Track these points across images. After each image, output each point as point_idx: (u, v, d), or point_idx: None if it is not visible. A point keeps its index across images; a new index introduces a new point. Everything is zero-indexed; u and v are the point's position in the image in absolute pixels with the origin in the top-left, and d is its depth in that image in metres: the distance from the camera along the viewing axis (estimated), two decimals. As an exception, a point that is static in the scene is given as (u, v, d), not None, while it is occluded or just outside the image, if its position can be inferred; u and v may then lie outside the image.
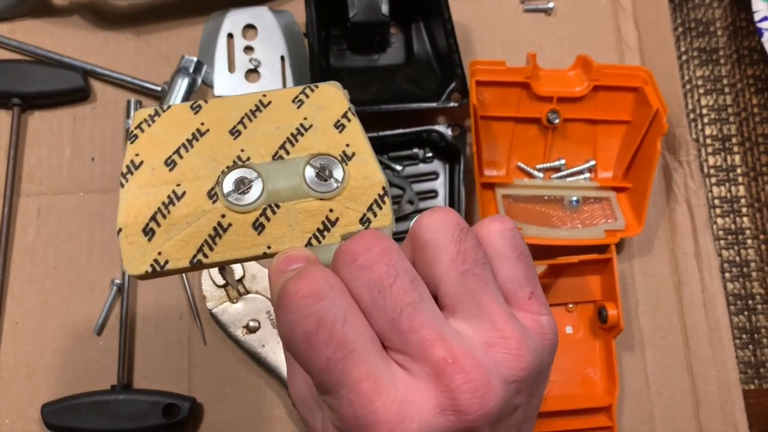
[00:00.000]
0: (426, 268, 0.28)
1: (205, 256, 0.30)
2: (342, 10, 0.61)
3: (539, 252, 0.57)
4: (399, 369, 0.26)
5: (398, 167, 0.62)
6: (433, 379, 0.26)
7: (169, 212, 0.30)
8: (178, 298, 0.59)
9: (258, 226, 0.31)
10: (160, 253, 0.30)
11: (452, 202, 0.61)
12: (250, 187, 0.31)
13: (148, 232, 0.30)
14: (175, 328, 0.59)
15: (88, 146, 0.62)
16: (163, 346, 0.58)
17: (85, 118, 0.63)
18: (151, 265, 0.30)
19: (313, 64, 0.60)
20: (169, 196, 0.31)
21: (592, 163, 0.63)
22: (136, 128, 0.32)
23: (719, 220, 0.66)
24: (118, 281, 0.59)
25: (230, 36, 0.65)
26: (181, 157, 0.31)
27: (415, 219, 0.33)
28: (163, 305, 0.59)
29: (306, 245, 0.31)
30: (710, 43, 0.70)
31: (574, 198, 0.61)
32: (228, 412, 0.57)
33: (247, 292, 0.57)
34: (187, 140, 0.32)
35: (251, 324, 0.56)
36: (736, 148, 0.67)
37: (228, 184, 0.31)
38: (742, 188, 0.66)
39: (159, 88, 0.62)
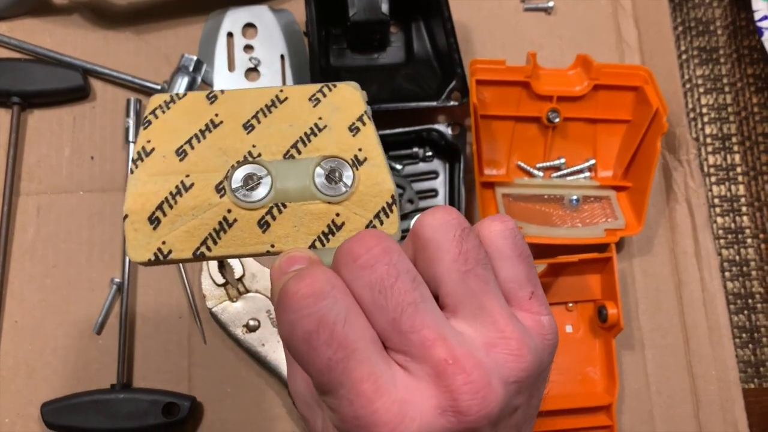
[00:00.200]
0: (427, 268, 0.28)
1: (209, 249, 0.30)
2: (342, 9, 0.61)
3: (539, 251, 0.57)
4: (399, 369, 0.26)
5: (398, 166, 0.62)
6: (433, 380, 0.26)
7: (176, 202, 0.30)
8: (177, 297, 0.59)
9: (263, 224, 0.31)
10: (164, 243, 0.30)
11: (452, 201, 0.61)
12: (258, 184, 0.31)
13: (154, 221, 0.30)
14: (175, 327, 0.59)
15: (88, 145, 0.62)
16: (162, 345, 0.58)
17: (84, 117, 0.63)
18: (155, 254, 0.30)
19: (313, 63, 0.60)
20: (177, 187, 0.31)
21: (592, 162, 0.63)
22: (150, 114, 0.32)
23: (719, 219, 0.66)
24: (117, 280, 0.59)
25: (230, 35, 0.65)
26: (192, 147, 0.31)
27: (416, 218, 0.33)
28: (162, 304, 0.59)
29: (309, 247, 0.31)
30: (710, 42, 0.70)
31: (574, 197, 0.61)
32: (228, 411, 0.57)
33: (247, 291, 0.57)
34: (200, 131, 0.32)
35: (251, 323, 0.56)
36: (736, 147, 0.67)
37: (237, 180, 0.31)
38: (741, 187, 0.66)
39: (159, 87, 0.62)
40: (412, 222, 0.60)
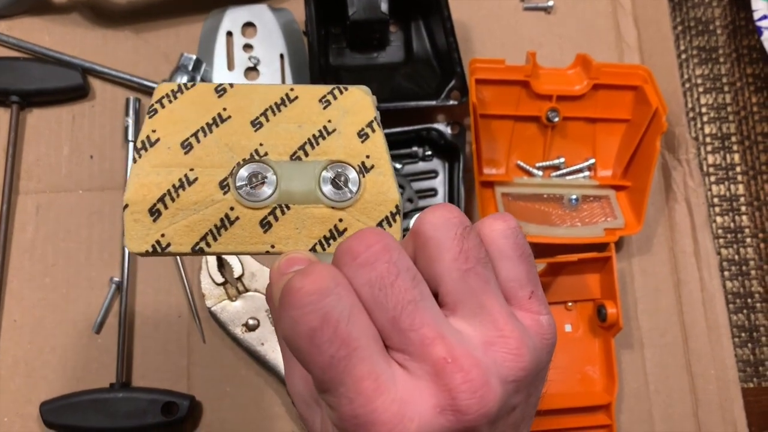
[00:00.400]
0: (427, 266, 0.28)
1: (208, 245, 0.30)
2: (341, 8, 0.61)
3: (539, 250, 0.57)
4: (399, 368, 0.26)
5: (398, 165, 0.62)
6: (432, 379, 0.26)
7: (178, 196, 0.30)
8: (177, 297, 0.59)
9: (265, 224, 0.30)
10: (163, 235, 0.30)
11: (451, 200, 0.61)
12: (263, 184, 0.31)
13: (155, 213, 0.30)
14: (174, 326, 0.59)
15: (87, 144, 0.62)
16: (162, 345, 0.58)
17: (83, 115, 0.63)
18: (153, 246, 0.30)
19: (312, 62, 0.60)
20: (180, 180, 0.30)
21: (592, 161, 0.63)
22: (156, 102, 0.32)
23: (718, 219, 0.66)
24: (117, 279, 0.59)
25: (229, 34, 0.65)
26: (198, 141, 0.31)
27: (417, 215, 0.33)
28: (162, 303, 0.59)
29: (310, 250, 0.30)
30: (710, 41, 0.70)
31: (574, 196, 0.61)
32: (227, 410, 0.57)
33: (246, 290, 0.57)
34: (207, 124, 0.31)
35: (250, 322, 0.56)
36: (735, 147, 0.67)
37: (242, 178, 0.30)
38: (741, 187, 0.66)
39: (156, 86, 0.62)
40: (412, 221, 0.60)
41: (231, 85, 0.33)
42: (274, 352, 0.56)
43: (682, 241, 0.63)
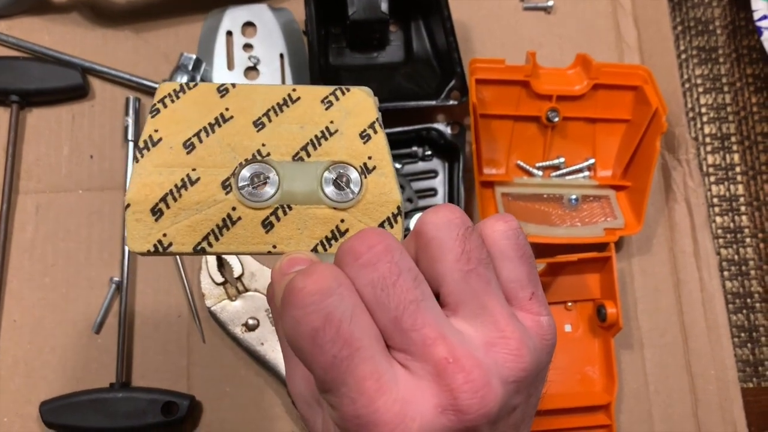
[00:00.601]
0: (429, 266, 0.28)
1: (210, 245, 0.30)
2: (341, 8, 0.61)
3: (538, 250, 0.57)
4: (401, 368, 0.26)
5: (397, 165, 0.62)
6: (434, 379, 0.26)
7: (180, 196, 0.30)
8: (176, 296, 0.59)
9: (267, 225, 0.30)
10: (165, 235, 0.30)
11: (451, 200, 0.61)
12: (265, 184, 0.31)
13: (157, 213, 0.30)
14: (174, 326, 0.59)
15: (87, 144, 0.62)
16: (161, 344, 0.58)
17: (83, 115, 0.63)
18: (155, 245, 0.30)
19: (312, 62, 0.60)
20: (183, 180, 0.30)
21: (592, 161, 0.63)
22: (158, 102, 0.32)
23: (718, 219, 0.66)
24: (116, 279, 0.59)
25: (229, 34, 0.65)
26: (200, 141, 0.31)
27: (419, 215, 0.33)
28: (161, 303, 0.59)
29: (311, 251, 0.30)
30: (709, 41, 0.70)
31: (574, 196, 0.61)
32: (227, 410, 0.57)
33: (246, 290, 0.57)
34: (210, 124, 0.31)
35: (250, 322, 0.56)
36: (735, 147, 0.67)
37: (244, 178, 0.31)
38: (740, 187, 0.66)
39: (157, 86, 0.62)
40: (412, 221, 0.60)
41: (233, 85, 0.33)
42: (273, 352, 0.56)
43: (682, 241, 0.63)
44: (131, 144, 0.61)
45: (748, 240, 0.65)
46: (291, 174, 0.31)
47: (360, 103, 0.33)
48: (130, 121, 0.61)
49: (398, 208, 0.31)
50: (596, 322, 0.59)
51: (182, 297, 0.59)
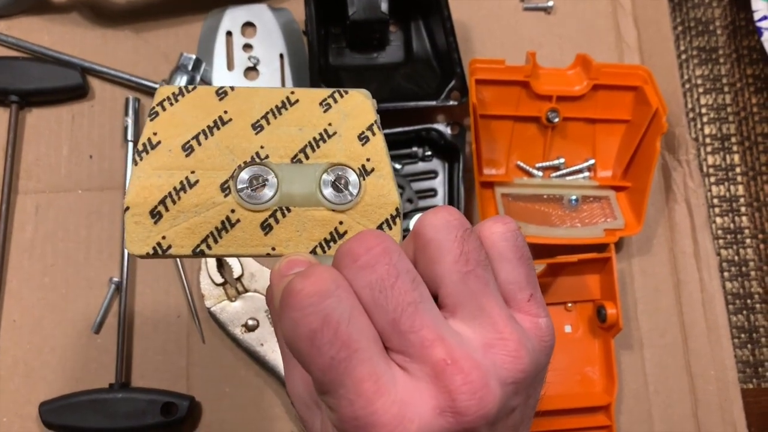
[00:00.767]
0: (427, 268, 0.28)
1: (209, 247, 0.30)
2: (341, 8, 0.61)
3: (538, 251, 0.57)
4: (399, 370, 0.26)
5: (397, 165, 0.62)
6: (432, 380, 0.26)
7: (179, 198, 0.30)
8: (176, 297, 0.59)
9: (266, 227, 0.31)
10: (164, 238, 0.30)
11: (451, 200, 0.61)
12: (264, 186, 0.31)
13: (156, 215, 0.30)
14: (174, 326, 0.59)
15: (87, 144, 0.62)
16: (161, 345, 0.58)
17: (83, 115, 0.63)
18: (154, 248, 0.30)
19: (312, 62, 0.60)
20: (181, 182, 0.30)
21: (592, 162, 0.63)
22: (157, 105, 0.32)
23: (718, 220, 0.65)
24: (116, 279, 0.59)
25: (229, 34, 0.65)
26: (199, 143, 0.31)
27: (418, 217, 0.33)
28: (161, 303, 0.59)
29: (310, 253, 0.31)
30: (710, 42, 0.70)
31: (574, 197, 0.61)
32: (226, 410, 0.57)
33: (246, 291, 0.57)
34: (208, 127, 0.32)
35: (250, 322, 0.56)
36: (735, 148, 0.67)
37: (243, 180, 0.31)
38: (741, 187, 0.66)
39: (158, 86, 0.62)
40: (412, 222, 0.60)
41: (232, 88, 0.33)
42: (273, 353, 0.56)
43: (682, 241, 0.63)
44: (131, 144, 0.61)
45: (748, 241, 0.65)
46: (289, 176, 0.31)
47: (358, 106, 0.33)
48: (130, 121, 0.61)
49: (397, 209, 0.31)
50: (596, 323, 0.59)
51: (182, 297, 0.59)
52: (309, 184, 0.31)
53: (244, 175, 0.31)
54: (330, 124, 0.32)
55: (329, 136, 0.32)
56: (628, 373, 0.60)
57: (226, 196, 0.31)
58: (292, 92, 0.33)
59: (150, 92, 0.63)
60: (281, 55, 0.65)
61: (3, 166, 0.61)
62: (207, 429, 0.57)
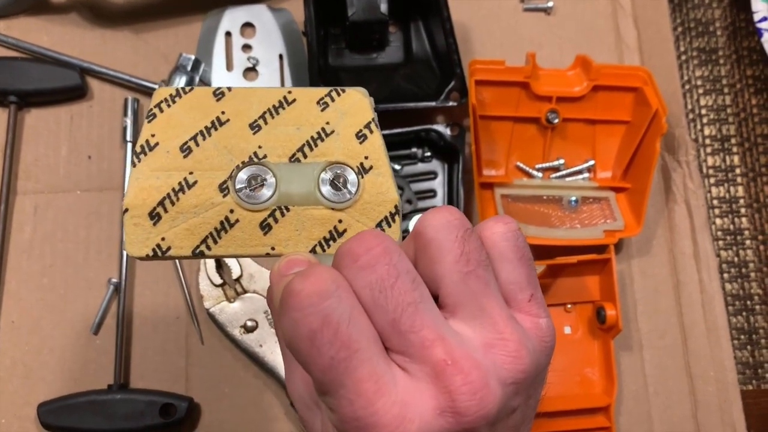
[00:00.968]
0: (428, 268, 0.28)
1: (208, 248, 0.30)
2: (341, 9, 0.61)
3: (538, 252, 0.57)
4: (399, 370, 0.26)
5: (397, 166, 0.62)
6: (432, 380, 0.26)
7: (178, 199, 0.30)
8: (175, 298, 0.59)
9: (265, 227, 0.30)
10: (163, 239, 0.30)
11: (451, 201, 0.61)
12: (262, 186, 0.31)
13: (155, 217, 0.30)
14: (173, 327, 0.58)
15: (85, 144, 0.62)
16: (160, 346, 0.58)
17: (82, 116, 0.63)
18: (153, 250, 0.30)
19: (311, 62, 0.60)
20: (180, 183, 0.30)
21: (591, 163, 0.63)
22: (155, 107, 0.32)
23: (718, 221, 0.65)
24: (115, 280, 0.58)
25: (228, 34, 0.65)
26: (197, 144, 0.31)
27: (418, 217, 0.33)
28: (160, 304, 0.59)
29: (310, 252, 0.30)
30: (710, 43, 0.70)
31: (573, 198, 0.61)
32: (225, 411, 0.57)
33: (245, 292, 0.57)
34: (206, 128, 0.32)
35: (249, 323, 0.56)
36: (735, 149, 0.67)
37: (241, 180, 0.31)
38: (740, 189, 0.66)
39: (157, 86, 0.62)
40: (411, 222, 0.60)
41: (229, 88, 0.33)
42: (272, 354, 0.56)
43: (682, 242, 0.63)
44: (130, 144, 0.61)
45: (748, 242, 0.65)
46: (288, 175, 0.31)
47: (355, 104, 0.33)
48: (129, 121, 0.61)
49: (396, 207, 0.31)
50: (596, 324, 0.59)
51: (181, 298, 0.59)
52: (307, 183, 0.31)
53: (243, 175, 0.31)
54: (327, 123, 0.32)
55: (327, 135, 0.32)
56: (627, 374, 0.60)
57: (224, 196, 0.30)
58: (290, 92, 0.33)
59: (149, 93, 0.63)
60: (280, 56, 0.64)
61: (1, 166, 0.61)
62: (206, 430, 0.57)
